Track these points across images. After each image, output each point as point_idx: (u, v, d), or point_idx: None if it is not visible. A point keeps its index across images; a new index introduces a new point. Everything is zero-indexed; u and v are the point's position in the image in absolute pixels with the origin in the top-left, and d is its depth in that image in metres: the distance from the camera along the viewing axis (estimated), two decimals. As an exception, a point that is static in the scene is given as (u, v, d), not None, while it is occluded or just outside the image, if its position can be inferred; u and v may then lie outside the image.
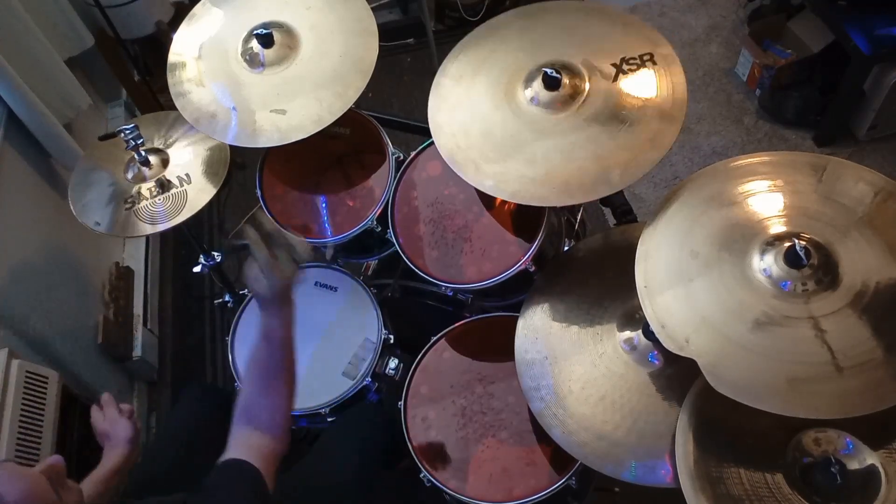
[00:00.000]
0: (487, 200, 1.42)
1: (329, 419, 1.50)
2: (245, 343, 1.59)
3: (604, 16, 1.31)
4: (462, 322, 1.48)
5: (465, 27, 1.43)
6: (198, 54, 1.49)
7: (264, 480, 0.97)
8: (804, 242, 0.99)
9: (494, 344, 1.40)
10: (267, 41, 1.42)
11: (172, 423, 1.55)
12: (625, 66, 1.22)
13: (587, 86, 1.23)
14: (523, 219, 1.37)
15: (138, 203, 1.53)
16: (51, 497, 0.84)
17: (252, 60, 1.45)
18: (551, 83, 1.22)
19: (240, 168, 2.56)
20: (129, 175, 1.58)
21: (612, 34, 1.27)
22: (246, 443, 1.02)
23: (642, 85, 1.20)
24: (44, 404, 1.51)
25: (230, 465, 0.99)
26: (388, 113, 1.81)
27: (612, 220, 1.73)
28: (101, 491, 1.21)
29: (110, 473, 1.24)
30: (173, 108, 1.47)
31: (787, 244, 1.00)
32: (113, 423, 1.31)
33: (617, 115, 1.19)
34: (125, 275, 2.29)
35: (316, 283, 1.63)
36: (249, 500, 0.95)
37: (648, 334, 1.16)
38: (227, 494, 0.95)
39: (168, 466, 1.34)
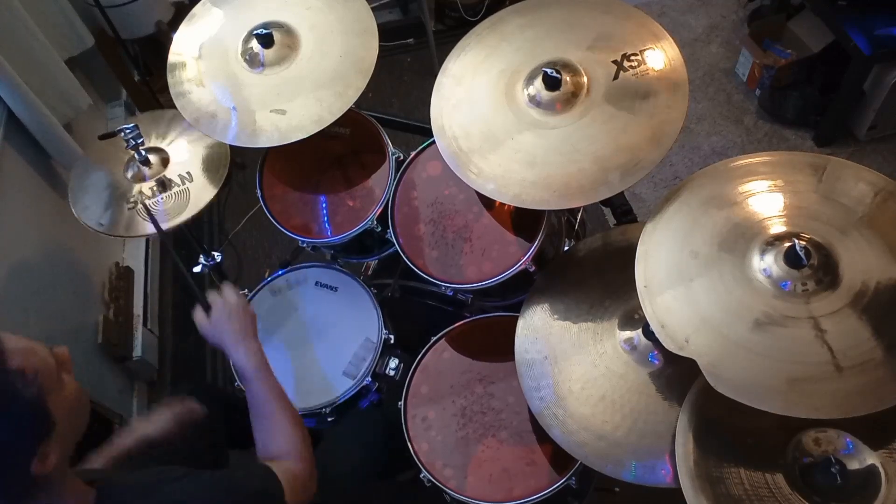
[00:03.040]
0: (487, 200, 1.42)
1: (329, 419, 1.50)
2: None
3: (606, 10, 1.30)
4: (462, 322, 1.48)
5: (465, 27, 1.43)
6: (198, 54, 1.49)
7: (283, 491, 1.02)
8: (804, 242, 0.99)
9: (494, 344, 1.40)
10: (267, 41, 1.42)
11: None
12: (625, 63, 1.22)
13: (588, 85, 1.23)
14: (523, 219, 1.37)
15: (140, 203, 1.53)
16: (50, 363, 0.84)
17: (252, 60, 1.45)
18: (552, 83, 1.21)
19: (240, 168, 2.56)
20: (129, 174, 1.58)
21: (612, 29, 1.27)
22: (273, 463, 1.08)
23: (643, 81, 1.20)
24: (44, 404, 1.51)
25: (257, 465, 1.05)
26: (388, 113, 1.81)
27: (612, 220, 1.73)
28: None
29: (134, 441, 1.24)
30: (173, 108, 1.47)
31: (787, 244, 1.00)
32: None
33: (618, 114, 1.19)
34: (125, 275, 2.29)
35: (316, 283, 1.63)
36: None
37: (648, 334, 1.16)
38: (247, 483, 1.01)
39: (163, 459, 1.34)
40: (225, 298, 1.24)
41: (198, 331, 1.25)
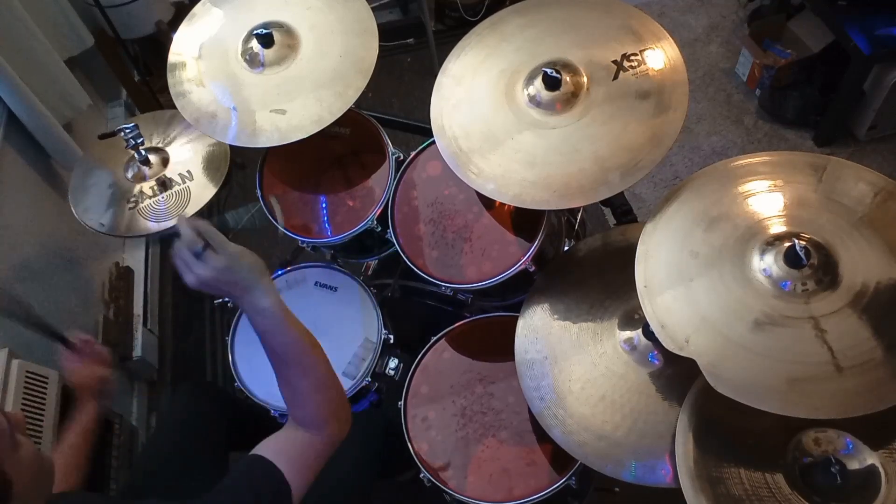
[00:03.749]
0: (487, 200, 1.42)
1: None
2: (245, 343, 1.58)
3: (606, 10, 1.30)
4: (462, 322, 1.48)
5: (465, 27, 1.43)
6: (198, 54, 1.49)
7: (283, 478, 0.92)
8: (804, 242, 0.99)
9: (494, 344, 1.40)
10: (267, 41, 1.42)
11: (168, 419, 1.56)
12: (625, 63, 1.22)
13: (588, 85, 1.23)
14: (523, 219, 1.37)
15: (141, 202, 1.53)
16: (3, 425, 0.79)
17: (252, 60, 1.45)
18: (552, 83, 1.21)
19: (240, 168, 2.56)
20: (130, 174, 1.58)
21: (612, 29, 1.27)
22: (278, 440, 0.98)
23: (643, 81, 1.20)
24: (44, 404, 1.51)
25: (247, 463, 0.96)
26: (388, 113, 1.80)
27: (612, 220, 1.73)
28: (78, 447, 1.20)
29: (85, 431, 1.22)
30: (173, 108, 1.47)
31: (787, 244, 1.00)
32: (91, 376, 1.26)
33: (618, 114, 1.19)
34: (125, 275, 2.29)
35: (316, 283, 1.63)
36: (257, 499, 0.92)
37: (648, 334, 1.16)
38: (234, 497, 0.93)
39: (164, 461, 1.35)
40: (215, 261, 0.95)
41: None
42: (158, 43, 2.47)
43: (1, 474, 0.77)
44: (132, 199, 1.54)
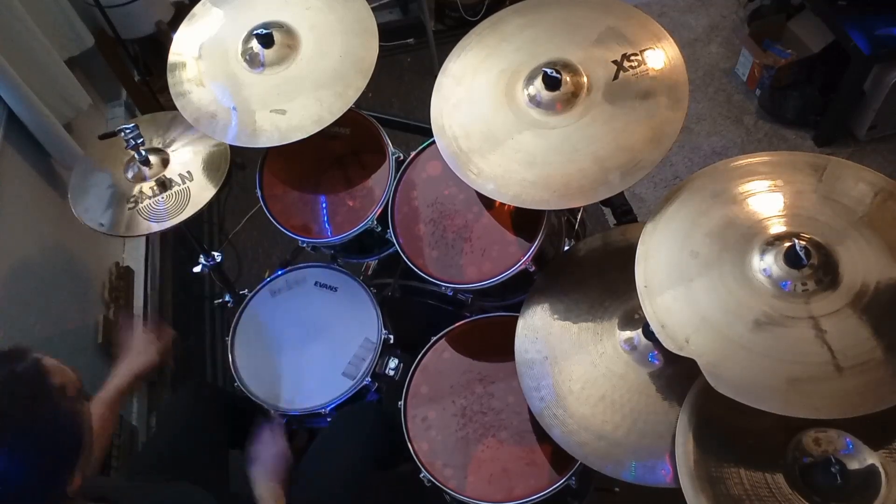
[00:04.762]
0: (487, 200, 1.42)
1: (329, 419, 1.50)
2: (245, 343, 1.59)
3: (607, 10, 1.30)
4: (462, 322, 1.48)
5: (465, 27, 1.43)
6: (198, 54, 1.49)
7: None
8: (804, 242, 0.99)
9: (494, 344, 1.40)
10: (267, 41, 1.42)
11: (168, 419, 1.56)
12: (625, 63, 1.22)
13: (588, 85, 1.23)
14: (523, 219, 1.37)
15: (141, 202, 1.53)
16: (76, 381, 0.84)
17: (252, 60, 1.45)
18: (552, 83, 1.21)
19: (240, 168, 2.56)
20: (130, 175, 1.58)
21: (612, 29, 1.27)
22: None
23: (643, 81, 1.20)
24: (44, 404, 1.51)
25: None
26: (388, 113, 1.81)
27: (612, 220, 1.73)
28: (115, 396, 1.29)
29: (130, 378, 1.33)
30: (173, 108, 1.47)
31: (787, 244, 1.00)
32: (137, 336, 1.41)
33: (618, 113, 1.19)
34: (125, 275, 2.29)
35: (316, 283, 1.63)
36: None
37: (648, 334, 1.16)
38: None
39: (165, 461, 1.35)
40: (274, 439, 1.35)
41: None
42: (158, 43, 2.47)
43: (81, 432, 0.80)
44: (132, 200, 1.54)
